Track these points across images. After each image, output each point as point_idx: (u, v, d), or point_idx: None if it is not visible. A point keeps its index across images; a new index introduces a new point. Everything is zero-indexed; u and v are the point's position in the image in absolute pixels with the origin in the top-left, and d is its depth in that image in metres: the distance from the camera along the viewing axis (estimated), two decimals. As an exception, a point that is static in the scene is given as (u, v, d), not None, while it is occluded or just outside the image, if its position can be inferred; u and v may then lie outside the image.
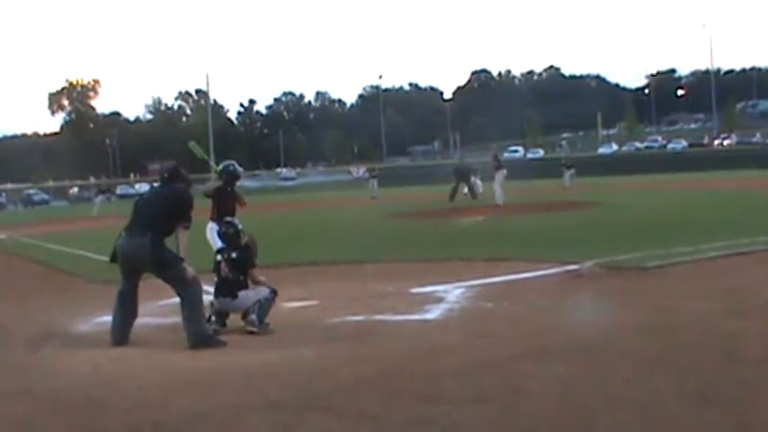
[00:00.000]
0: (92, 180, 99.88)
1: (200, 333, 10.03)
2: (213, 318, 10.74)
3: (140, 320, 10.60)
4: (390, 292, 13.11)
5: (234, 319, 10.75)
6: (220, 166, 13.65)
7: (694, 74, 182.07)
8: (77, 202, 53.96)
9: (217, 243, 11.93)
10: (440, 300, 12.18)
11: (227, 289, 10.84)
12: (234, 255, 10.99)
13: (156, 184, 11.20)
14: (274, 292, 10.94)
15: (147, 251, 10.07)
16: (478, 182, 42.22)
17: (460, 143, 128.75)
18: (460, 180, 41.60)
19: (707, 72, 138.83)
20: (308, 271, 15.95)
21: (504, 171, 34.57)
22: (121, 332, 10.29)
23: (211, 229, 12.82)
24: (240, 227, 11.39)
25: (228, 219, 11.81)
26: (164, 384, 8.28)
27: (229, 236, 11.26)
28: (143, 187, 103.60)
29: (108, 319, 10.62)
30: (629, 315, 10.62)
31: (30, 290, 16.35)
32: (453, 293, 12.61)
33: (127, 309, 10.37)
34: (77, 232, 33.91)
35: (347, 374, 8.23)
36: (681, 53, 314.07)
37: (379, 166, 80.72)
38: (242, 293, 10.81)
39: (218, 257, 11.11)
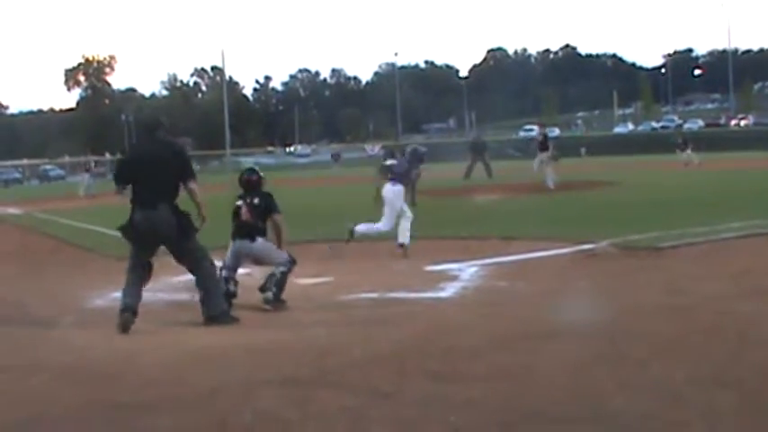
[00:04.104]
0: (66, 158, 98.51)
1: (216, 309, 10.01)
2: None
3: (154, 296, 10.65)
4: (404, 270, 13.14)
5: (246, 298, 10.75)
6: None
7: (712, 54, 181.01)
8: (93, 177, 53.01)
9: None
10: (454, 278, 12.20)
11: (245, 231, 10.81)
12: (256, 200, 10.94)
13: (141, 141, 10.60)
14: (293, 262, 10.92)
15: (173, 222, 9.83)
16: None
17: (476, 121, 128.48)
18: (476, 157, 41.14)
19: (724, 52, 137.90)
20: (323, 248, 15.95)
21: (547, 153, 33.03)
22: (133, 296, 9.89)
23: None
24: (262, 174, 11.33)
25: (251, 165, 11.66)
26: (178, 360, 8.32)
27: (252, 183, 11.17)
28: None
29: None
30: (643, 296, 10.62)
31: (45, 265, 16.41)
32: (467, 272, 12.63)
33: (141, 275, 10.04)
34: (93, 208, 33.96)
35: (360, 351, 8.25)
36: (698, 33, 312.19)
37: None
38: (260, 240, 10.78)
39: (239, 203, 11.01)
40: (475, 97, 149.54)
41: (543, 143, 33.19)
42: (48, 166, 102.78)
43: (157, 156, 10.04)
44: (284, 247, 10.94)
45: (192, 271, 10.22)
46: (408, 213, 15.26)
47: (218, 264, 10.84)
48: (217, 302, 10.09)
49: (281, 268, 10.73)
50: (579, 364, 7.46)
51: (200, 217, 10.02)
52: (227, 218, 11.25)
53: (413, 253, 14.68)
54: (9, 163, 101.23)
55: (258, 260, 10.96)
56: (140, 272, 10.06)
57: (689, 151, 47.61)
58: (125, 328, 9.60)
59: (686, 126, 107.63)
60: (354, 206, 23.22)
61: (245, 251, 10.84)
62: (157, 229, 9.85)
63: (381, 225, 15.17)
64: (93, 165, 54.04)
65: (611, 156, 56.51)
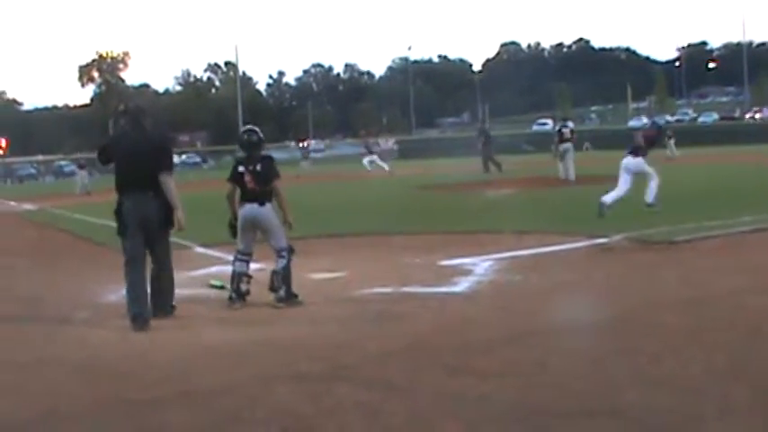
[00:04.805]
0: (80, 154, 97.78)
1: (169, 305, 10.16)
2: (234, 296, 10.68)
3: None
4: (418, 265, 13.12)
5: (260, 294, 10.74)
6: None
7: (726, 46, 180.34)
8: (107, 173, 51.77)
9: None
10: (468, 272, 12.17)
11: (252, 196, 10.70)
12: (258, 167, 10.78)
13: (123, 126, 10.82)
14: (291, 251, 10.77)
15: (157, 209, 9.91)
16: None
17: (490, 115, 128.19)
18: (486, 146, 40.20)
19: (739, 45, 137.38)
20: (336, 243, 15.98)
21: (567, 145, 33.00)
22: (141, 301, 9.86)
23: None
24: (262, 136, 11.22)
25: (250, 127, 11.50)
26: (191, 356, 8.33)
27: (253, 143, 11.02)
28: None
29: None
30: (658, 289, 10.59)
31: (59, 260, 16.46)
32: (481, 266, 12.60)
33: (142, 277, 10.02)
34: (106, 203, 34.01)
35: (374, 346, 8.25)
36: (713, 25, 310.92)
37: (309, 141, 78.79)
38: (268, 205, 10.71)
39: (241, 168, 10.82)
40: (488, 91, 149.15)
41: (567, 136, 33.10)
42: (62, 162, 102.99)
43: (142, 144, 10.14)
44: (290, 213, 10.85)
45: (155, 262, 10.19)
46: (654, 175, 17.69)
47: (226, 256, 10.84)
48: (168, 302, 10.18)
49: (282, 262, 10.62)
50: (594, 359, 7.45)
51: (176, 219, 10.07)
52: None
53: (426, 247, 14.65)
54: (25, 159, 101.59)
55: (262, 229, 10.83)
56: (140, 273, 10.02)
57: (671, 143, 47.74)
58: (141, 330, 9.59)
59: (700, 119, 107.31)
60: (360, 203, 23.19)
61: (251, 215, 10.70)
62: (147, 215, 9.89)
63: (620, 190, 16.61)
64: (85, 162, 52.09)
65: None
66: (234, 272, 10.78)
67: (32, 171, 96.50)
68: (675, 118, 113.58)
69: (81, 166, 49.09)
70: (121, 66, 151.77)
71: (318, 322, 9.60)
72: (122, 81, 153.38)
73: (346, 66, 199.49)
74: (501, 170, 38.47)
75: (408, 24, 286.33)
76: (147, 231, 9.95)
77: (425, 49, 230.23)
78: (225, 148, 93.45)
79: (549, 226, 16.39)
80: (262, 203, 10.69)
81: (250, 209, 10.71)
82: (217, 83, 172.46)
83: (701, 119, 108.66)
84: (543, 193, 27.46)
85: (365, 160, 49.06)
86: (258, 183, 10.71)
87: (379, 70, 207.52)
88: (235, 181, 10.87)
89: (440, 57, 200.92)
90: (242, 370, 7.65)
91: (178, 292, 10.81)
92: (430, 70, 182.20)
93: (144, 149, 10.05)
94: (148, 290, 10.01)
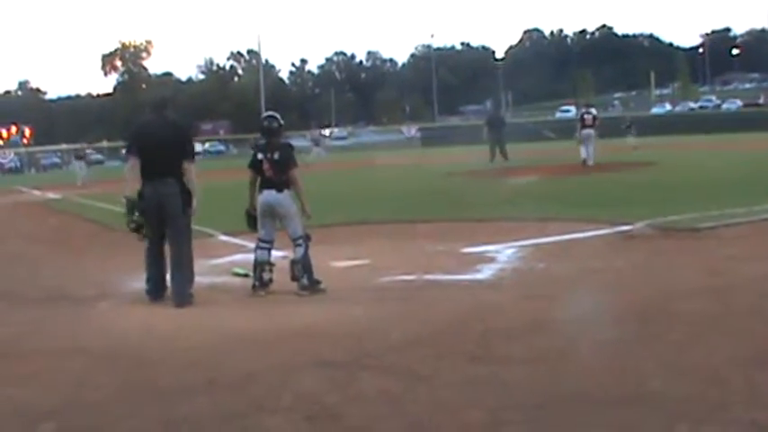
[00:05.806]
0: (104, 143, 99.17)
1: (189, 293, 10.31)
2: (257, 284, 10.72)
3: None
4: (441, 252, 13.11)
5: (283, 281, 10.76)
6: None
7: (750, 33, 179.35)
8: (88, 165, 50.48)
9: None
10: (491, 260, 12.17)
11: (270, 184, 10.77)
12: (276, 156, 10.81)
13: (148, 117, 11.10)
14: (308, 238, 10.79)
15: (177, 197, 10.29)
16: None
17: (512, 102, 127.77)
18: (494, 135, 39.03)
19: (763, 31, 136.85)
20: (359, 230, 15.96)
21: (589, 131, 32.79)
22: (156, 282, 10.51)
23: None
24: (282, 122, 11.26)
25: (271, 113, 11.53)
26: (216, 343, 8.36)
27: (273, 130, 11.05)
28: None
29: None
30: (682, 277, 10.54)
31: (84, 248, 16.52)
32: (504, 253, 12.59)
33: (162, 260, 10.54)
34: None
35: (398, 334, 8.26)
36: (736, 12, 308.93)
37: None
38: (286, 191, 10.77)
39: (260, 156, 10.88)
40: (511, 79, 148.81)
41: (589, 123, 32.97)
42: (87, 151, 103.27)
43: (164, 133, 10.51)
44: (307, 202, 10.88)
45: (174, 249, 10.46)
46: None
47: (247, 244, 10.89)
48: (187, 289, 10.34)
49: (300, 251, 10.62)
50: (617, 346, 7.44)
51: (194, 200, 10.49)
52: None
53: (449, 235, 14.64)
54: (48, 148, 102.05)
55: (280, 216, 10.85)
56: (157, 255, 10.54)
57: (632, 134, 47.44)
58: (156, 300, 10.34)
59: (724, 106, 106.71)
60: (381, 190, 23.13)
61: (269, 201, 10.73)
62: (164, 202, 10.27)
63: None
64: (87, 152, 51.29)
65: (648, 136, 55.82)
66: (256, 260, 10.81)
67: (56, 160, 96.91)
68: (699, 104, 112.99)
69: (78, 157, 48.09)
70: (144, 54, 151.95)
71: (342, 310, 9.61)
72: (145, 70, 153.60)
73: (369, 53, 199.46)
74: (492, 161, 37.10)
75: (431, 12, 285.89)
76: (165, 216, 10.31)
77: (448, 37, 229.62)
78: (247, 136, 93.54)
79: (571, 213, 16.36)
80: (280, 190, 10.72)
81: (268, 195, 10.75)
82: (239, 71, 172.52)
83: (724, 105, 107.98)
84: (566, 180, 27.35)
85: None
86: (275, 171, 10.75)
87: (401, 58, 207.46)
88: (254, 168, 10.94)
89: (462, 44, 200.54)
90: (266, 358, 7.68)
91: (202, 279, 10.87)
92: (452, 58, 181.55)
93: (167, 138, 10.43)
94: (166, 271, 10.52)
